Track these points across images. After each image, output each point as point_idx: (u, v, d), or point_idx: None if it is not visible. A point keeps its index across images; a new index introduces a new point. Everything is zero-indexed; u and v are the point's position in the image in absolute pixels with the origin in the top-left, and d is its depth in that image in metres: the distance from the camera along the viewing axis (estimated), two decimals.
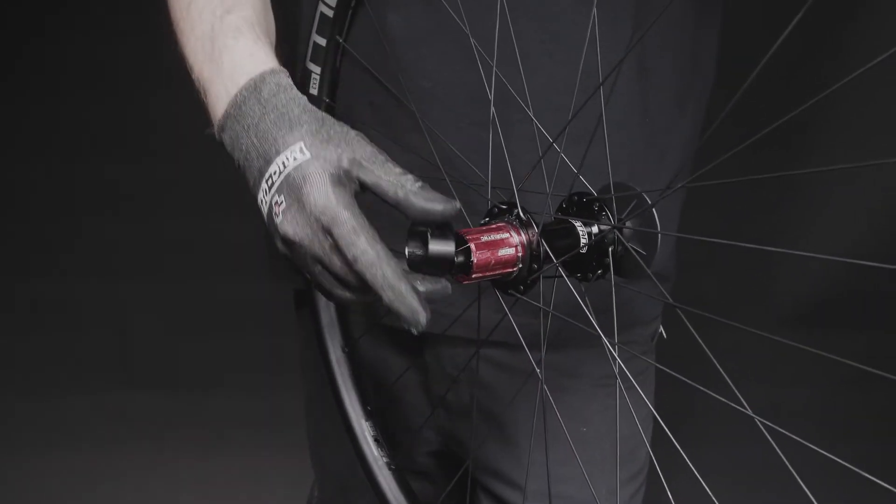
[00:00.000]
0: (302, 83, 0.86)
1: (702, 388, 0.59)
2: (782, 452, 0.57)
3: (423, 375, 0.97)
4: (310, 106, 0.66)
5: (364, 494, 0.86)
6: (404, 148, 0.84)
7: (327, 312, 0.86)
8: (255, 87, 0.67)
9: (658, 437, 1.04)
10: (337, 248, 0.60)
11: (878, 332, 2.37)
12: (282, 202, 0.62)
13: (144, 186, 2.50)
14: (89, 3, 2.39)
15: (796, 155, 2.25)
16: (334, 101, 0.85)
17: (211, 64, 0.71)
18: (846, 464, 0.51)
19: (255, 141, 0.65)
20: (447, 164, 0.81)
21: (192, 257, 2.49)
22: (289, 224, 0.62)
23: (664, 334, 1.03)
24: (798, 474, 0.58)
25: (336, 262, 0.61)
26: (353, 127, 0.87)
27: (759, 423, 0.55)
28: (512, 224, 0.63)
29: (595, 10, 0.66)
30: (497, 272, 0.62)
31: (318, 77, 0.84)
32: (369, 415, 0.85)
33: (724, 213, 2.10)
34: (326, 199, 0.60)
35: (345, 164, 0.62)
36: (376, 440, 0.83)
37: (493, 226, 0.63)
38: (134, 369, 2.51)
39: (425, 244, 0.60)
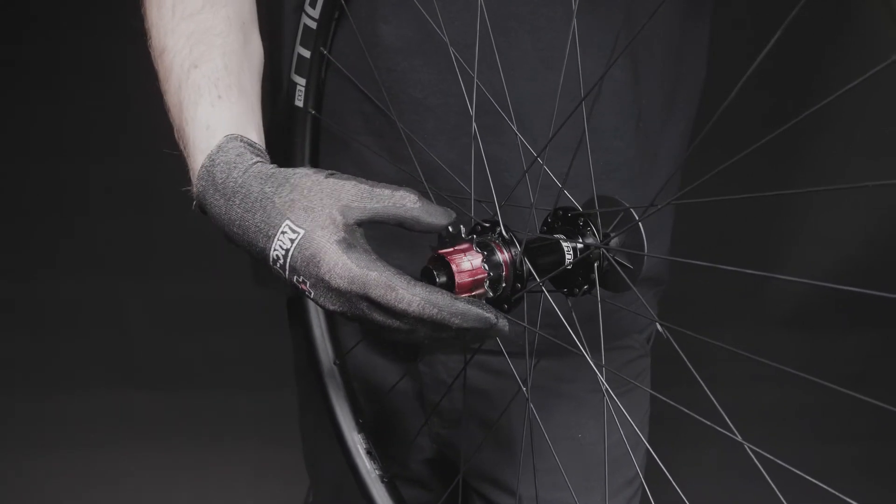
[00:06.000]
0: (287, 95, 0.85)
1: (695, 415, 0.59)
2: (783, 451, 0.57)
3: (418, 383, 0.97)
4: (266, 170, 0.63)
5: (359, 500, 0.86)
6: (397, 158, 0.83)
7: (318, 326, 0.86)
8: (208, 174, 0.65)
9: (654, 441, 1.03)
10: (379, 306, 0.58)
11: (878, 332, 2.37)
12: (304, 281, 0.59)
13: (145, 186, 2.49)
14: (90, 2, 2.39)
15: (790, 154, 2.24)
16: (320, 112, 0.85)
17: (181, 134, 0.70)
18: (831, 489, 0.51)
19: (238, 232, 0.62)
20: (439, 176, 0.80)
21: (192, 257, 2.48)
22: (323, 301, 0.59)
23: (664, 333, 1.02)
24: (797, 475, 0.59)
25: (378, 318, 0.58)
26: (347, 136, 0.86)
27: (748, 449, 0.55)
28: (495, 242, 0.63)
29: (574, 18, 0.65)
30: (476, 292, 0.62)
31: (303, 88, 0.84)
32: (361, 427, 0.85)
33: (719, 209, 2.08)
34: (347, 270, 0.57)
35: (339, 220, 0.59)
36: (369, 453, 0.83)
37: (457, 248, 0.62)
38: (134, 369, 2.51)
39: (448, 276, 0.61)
